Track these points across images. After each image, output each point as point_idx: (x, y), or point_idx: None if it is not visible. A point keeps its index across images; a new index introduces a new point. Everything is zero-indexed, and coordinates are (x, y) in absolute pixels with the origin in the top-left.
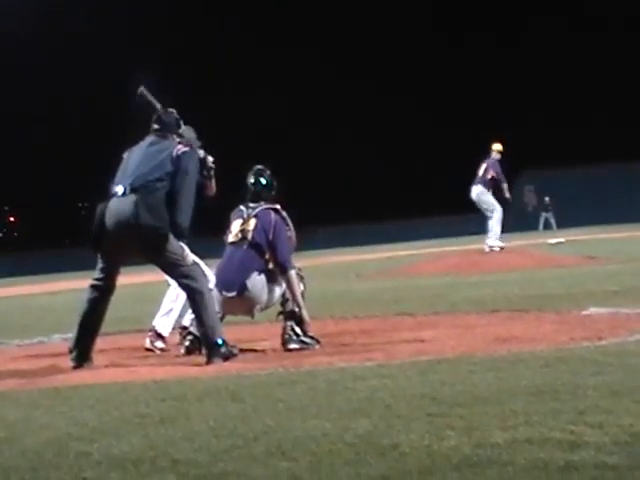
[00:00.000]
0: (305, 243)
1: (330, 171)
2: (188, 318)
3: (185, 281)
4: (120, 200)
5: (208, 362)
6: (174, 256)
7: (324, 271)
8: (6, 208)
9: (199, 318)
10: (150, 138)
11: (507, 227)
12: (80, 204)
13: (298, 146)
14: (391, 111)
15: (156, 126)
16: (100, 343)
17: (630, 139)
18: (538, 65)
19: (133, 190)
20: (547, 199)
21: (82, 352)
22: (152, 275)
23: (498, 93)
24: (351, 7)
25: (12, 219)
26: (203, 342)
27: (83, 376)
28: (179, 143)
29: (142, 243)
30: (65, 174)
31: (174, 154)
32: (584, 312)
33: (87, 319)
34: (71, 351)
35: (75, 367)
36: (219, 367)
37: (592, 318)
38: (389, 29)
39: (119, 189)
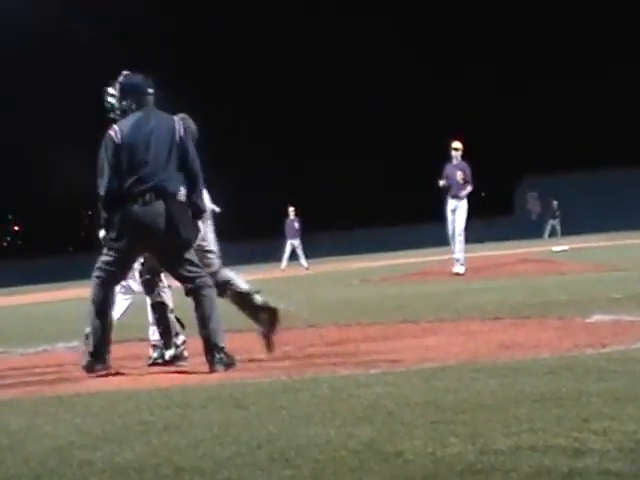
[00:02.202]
0: (309, 249)
1: (334, 178)
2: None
3: (197, 278)
4: (149, 210)
5: (212, 370)
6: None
7: (328, 278)
8: (10, 217)
9: (206, 319)
10: (149, 113)
11: (511, 235)
12: (84, 212)
13: (303, 154)
14: (393, 117)
15: (151, 90)
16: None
17: (633, 145)
18: (539, 69)
19: (158, 195)
20: (555, 203)
21: (109, 353)
22: None
23: (499, 99)
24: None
25: (16, 228)
26: (206, 345)
27: (86, 384)
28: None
29: (174, 250)
30: (68, 182)
31: (177, 136)
32: (588, 319)
33: (109, 317)
34: (102, 354)
35: (105, 371)
36: (222, 375)
37: (596, 325)
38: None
39: (140, 192)
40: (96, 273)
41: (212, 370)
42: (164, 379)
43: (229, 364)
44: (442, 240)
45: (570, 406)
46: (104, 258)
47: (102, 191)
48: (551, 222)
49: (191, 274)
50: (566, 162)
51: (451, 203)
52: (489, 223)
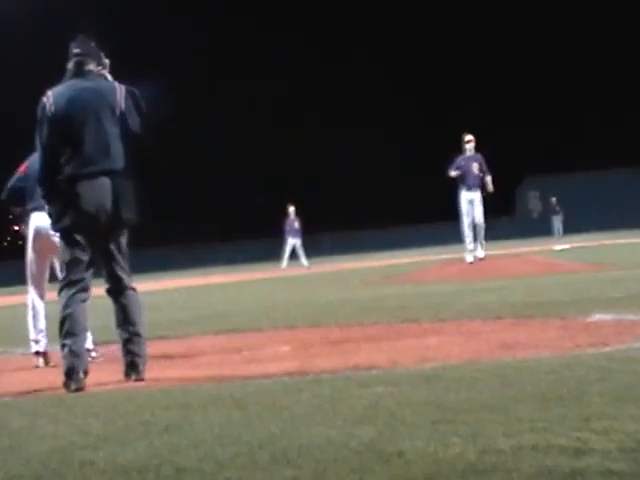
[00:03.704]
0: (310, 249)
1: (336, 178)
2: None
3: (127, 276)
4: (94, 184)
5: (138, 378)
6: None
7: (329, 278)
8: (10, 217)
9: (138, 324)
10: (83, 80)
11: (512, 234)
12: None
13: (305, 153)
14: (397, 118)
15: (77, 51)
16: (105, 351)
17: (635, 144)
18: (540, 73)
19: (103, 174)
20: (554, 199)
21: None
22: (154, 283)
23: (500, 100)
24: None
25: (17, 228)
26: (138, 351)
27: (87, 385)
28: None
29: (113, 233)
30: None
31: (118, 108)
32: (589, 318)
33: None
34: (77, 373)
35: (79, 389)
36: (223, 375)
37: (597, 324)
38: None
39: (82, 174)
40: (59, 286)
41: (139, 378)
42: (164, 379)
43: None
44: (443, 240)
45: (571, 406)
46: (63, 265)
47: (39, 171)
48: (554, 219)
49: (122, 273)
50: (567, 162)
51: (467, 195)
52: (490, 223)
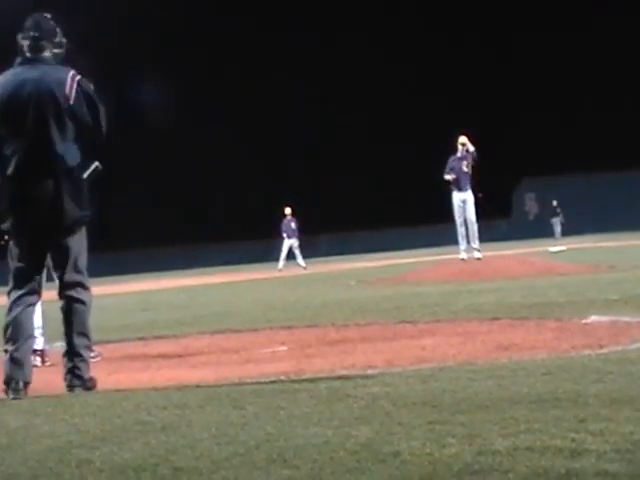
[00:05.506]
0: (307, 250)
1: (333, 179)
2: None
3: (80, 279)
4: (35, 192)
5: (70, 388)
6: (82, 245)
7: (325, 278)
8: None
9: (83, 333)
10: (30, 66)
11: (509, 236)
12: None
13: (302, 154)
14: (392, 119)
15: (25, 34)
16: (102, 351)
17: (632, 147)
18: (536, 74)
19: (47, 174)
20: (555, 202)
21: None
22: (151, 283)
23: (496, 100)
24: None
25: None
26: (74, 361)
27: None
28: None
29: (58, 236)
30: None
31: (67, 99)
32: (585, 320)
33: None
34: (16, 383)
35: (16, 399)
36: (220, 375)
37: (593, 326)
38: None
39: (25, 172)
40: (8, 289)
41: (71, 388)
42: (161, 379)
43: (90, 388)
44: (439, 241)
45: (567, 407)
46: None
47: None
48: (554, 221)
49: (72, 276)
50: (563, 164)
51: (459, 195)
52: (487, 225)
